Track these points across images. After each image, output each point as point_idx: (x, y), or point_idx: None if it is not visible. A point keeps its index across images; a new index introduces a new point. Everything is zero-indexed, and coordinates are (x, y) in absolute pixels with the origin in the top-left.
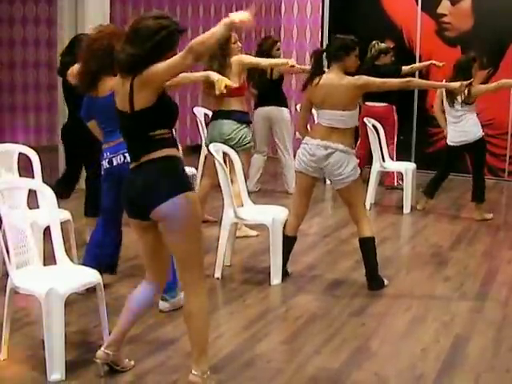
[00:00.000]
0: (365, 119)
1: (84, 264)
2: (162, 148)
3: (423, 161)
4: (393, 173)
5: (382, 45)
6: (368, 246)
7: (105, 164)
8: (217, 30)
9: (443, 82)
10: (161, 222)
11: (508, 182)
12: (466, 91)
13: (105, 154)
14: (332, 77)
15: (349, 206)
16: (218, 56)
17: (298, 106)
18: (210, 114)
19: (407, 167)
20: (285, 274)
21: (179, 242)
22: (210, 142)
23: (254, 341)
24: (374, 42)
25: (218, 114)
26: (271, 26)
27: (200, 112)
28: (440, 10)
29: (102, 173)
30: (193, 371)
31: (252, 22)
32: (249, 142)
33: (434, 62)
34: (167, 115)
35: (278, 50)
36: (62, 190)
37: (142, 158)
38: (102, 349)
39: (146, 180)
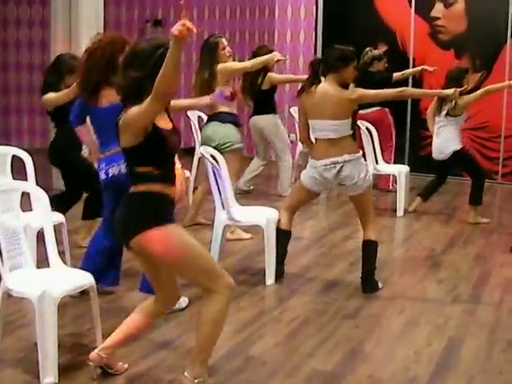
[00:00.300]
0: (358, 122)
1: (82, 268)
2: (146, 183)
3: (417, 163)
4: (388, 176)
5: (376, 51)
6: (371, 249)
7: (102, 175)
8: (168, 54)
9: (438, 90)
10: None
11: (501, 184)
12: (453, 102)
13: (101, 165)
14: (327, 87)
15: (360, 211)
16: (207, 65)
17: (292, 110)
18: (204, 116)
19: (400, 170)
20: (281, 274)
21: (169, 267)
22: (201, 146)
23: (248, 343)
24: (367, 48)
25: (208, 118)
26: (265, 29)
27: (194, 115)
28: (433, 13)
29: (101, 184)
30: (186, 373)
31: (192, 26)
32: (232, 144)
33: (425, 67)
34: (156, 153)
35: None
36: (60, 207)
37: (130, 187)
38: (96, 351)
39: (122, 212)
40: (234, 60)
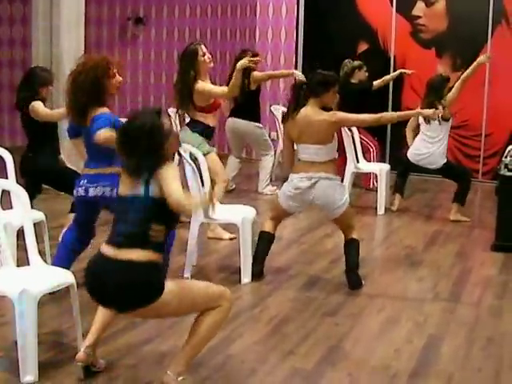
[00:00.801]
0: None
1: (54, 264)
2: (152, 250)
3: (398, 162)
4: (369, 174)
5: (355, 62)
6: (353, 246)
7: (80, 191)
8: None
9: (417, 110)
10: None
11: (482, 182)
12: (441, 108)
13: (82, 181)
14: (308, 112)
15: (344, 227)
16: (188, 78)
17: (273, 108)
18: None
19: (381, 168)
20: (260, 274)
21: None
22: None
23: (227, 341)
24: (345, 60)
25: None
26: (246, 26)
27: (175, 113)
28: (415, 12)
29: (74, 198)
30: (168, 372)
31: None
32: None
33: (403, 70)
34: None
35: (256, 63)
36: None
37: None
38: (82, 350)
39: (129, 283)
40: (213, 63)
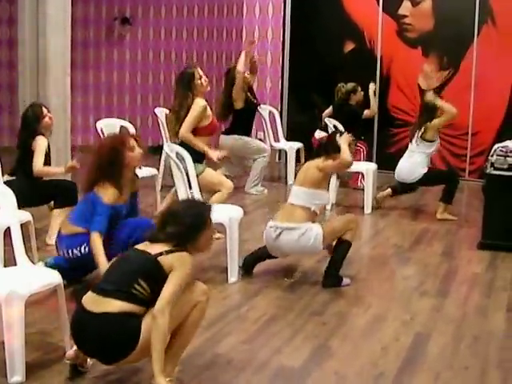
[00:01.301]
0: (326, 119)
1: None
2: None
3: (384, 161)
4: (356, 174)
5: (349, 85)
6: (342, 247)
7: (70, 253)
8: None
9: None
10: None
11: (468, 181)
12: (422, 129)
13: (64, 243)
14: (313, 164)
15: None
16: (185, 100)
17: (260, 108)
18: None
19: (368, 167)
20: (250, 272)
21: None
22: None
23: (214, 341)
24: (339, 85)
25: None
26: (233, 26)
27: (161, 112)
28: (401, 11)
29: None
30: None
31: None
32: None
33: (370, 87)
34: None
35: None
36: None
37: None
38: (73, 350)
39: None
40: (200, 63)
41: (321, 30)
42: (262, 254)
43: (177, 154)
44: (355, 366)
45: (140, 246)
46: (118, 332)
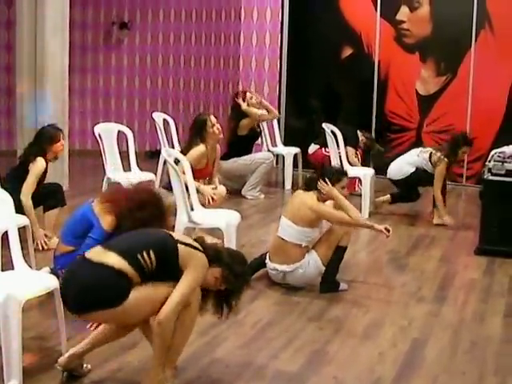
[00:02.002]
0: (323, 125)
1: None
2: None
3: (382, 166)
4: (354, 179)
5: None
6: (338, 253)
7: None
8: None
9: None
10: None
11: (466, 187)
12: (437, 155)
13: (59, 263)
14: (304, 198)
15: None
16: (196, 141)
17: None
18: (169, 119)
19: (365, 172)
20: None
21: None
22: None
23: (212, 345)
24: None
25: None
26: (231, 31)
27: (159, 117)
28: (399, 17)
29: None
30: None
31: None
32: None
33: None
34: None
35: (251, 98)
36: None
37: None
38: (66, 356)
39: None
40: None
41: (319, 35)
42: (263, 261)
43: (175, 159)
44: (353, 371)
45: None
46: (105, 284)
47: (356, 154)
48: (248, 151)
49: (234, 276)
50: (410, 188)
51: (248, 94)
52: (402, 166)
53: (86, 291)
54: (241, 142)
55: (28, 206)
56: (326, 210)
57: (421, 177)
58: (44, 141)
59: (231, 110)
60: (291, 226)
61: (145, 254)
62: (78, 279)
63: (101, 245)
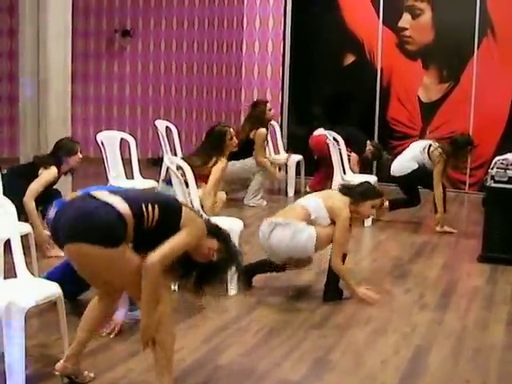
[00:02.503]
0: (326, 132)
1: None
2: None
3: (384, 173)
4: None
5: (374, 142)
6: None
7: None
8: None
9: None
10: None
11: (468, 194)
12: (439, 149)
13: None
14: (338, 197)
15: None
16: (213, 155)
17: None
18: (172, 126)
19: (368, 180)
20: (249, 285)
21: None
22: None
23: (214, 353)
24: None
25: None
26: (233, 38)
27: (161, 125)
28: (401, 24)
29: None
30: None
31: None
32: None
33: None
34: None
35: (270, 110)
36: None
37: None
38: (62, 361)
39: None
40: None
41: (321, 42)
42: (263, 263)
43: (177, 166)
44: (356, 378)
45: None
46: (103, 217)
47: (358, 161)
48: (248, 155)
49: (227, 250)
50: (410, 188)
51: (268, 105)
52: (405, 161)
53: (84, 216)
54: (246, 146)
55: (31, 208)
56: (340, 227)
57: (422, 175)
58: (61, 152)
59: (249, 119)
60: (318, 201)
61: (150, 207)
62: (76, 207)
63: (107, 190)
